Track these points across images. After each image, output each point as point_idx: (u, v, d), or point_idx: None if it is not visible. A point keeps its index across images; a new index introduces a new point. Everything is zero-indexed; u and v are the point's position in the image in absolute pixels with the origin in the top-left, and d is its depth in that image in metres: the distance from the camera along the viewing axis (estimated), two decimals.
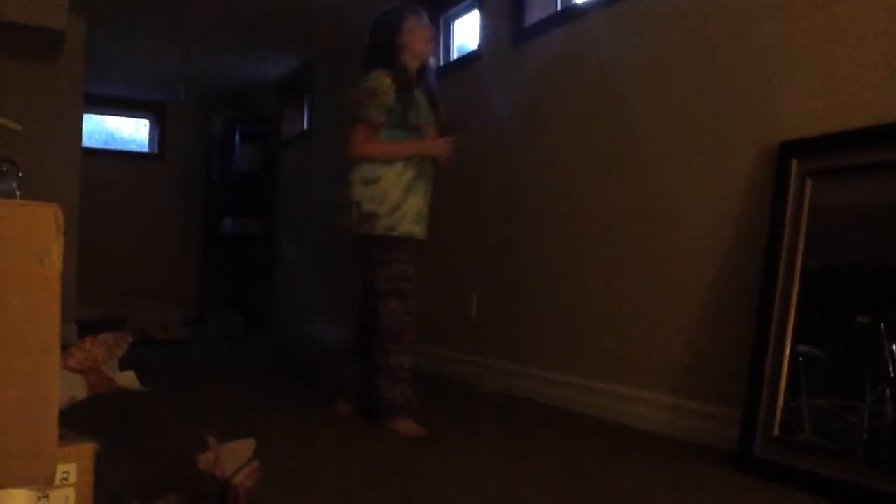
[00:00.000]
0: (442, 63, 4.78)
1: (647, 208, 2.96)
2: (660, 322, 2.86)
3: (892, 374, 1.99)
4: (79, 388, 2.98)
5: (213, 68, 6.83)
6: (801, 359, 2.23)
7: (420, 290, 4.24)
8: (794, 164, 2.35)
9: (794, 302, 2.27)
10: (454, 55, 4.79)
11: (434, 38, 2.86)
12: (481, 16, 4.17)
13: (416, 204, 2.75)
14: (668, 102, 2.88)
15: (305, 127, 6.97)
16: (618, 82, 3.15)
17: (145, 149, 8.17)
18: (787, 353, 2.24)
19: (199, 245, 8.04)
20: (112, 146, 8.05)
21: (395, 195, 2.70)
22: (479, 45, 4.16)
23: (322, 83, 6.33)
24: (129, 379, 3.62)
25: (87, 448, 1.12)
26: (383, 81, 2.71)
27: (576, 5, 3.52)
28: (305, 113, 7.04)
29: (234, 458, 1.70)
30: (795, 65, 2.41)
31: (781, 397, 2.22)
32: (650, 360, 2.89)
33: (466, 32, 4.77)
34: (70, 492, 1.10)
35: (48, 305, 0.93)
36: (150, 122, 8.16)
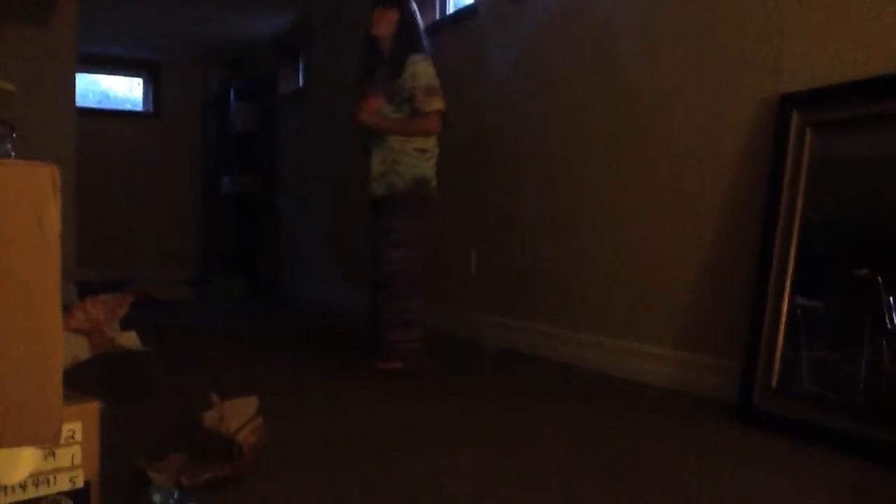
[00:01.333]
0: (438, 17, 4.72)
1: (648, 162, 2.94)
2: (660, 276, 2.87)
3: (890, 326, 2.00)
4: (81, 349, 3.00)
5: (208, 25, 6.74)
6: (799, 311, 2.24)
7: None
8: (795, 115, 2.33)
9: (793, 255, 2.27)
10: (450, 9, 4.72)
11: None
12: None
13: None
14: (668, 56, 2.85)
15: (301, 85, 6.90)
16: (618, 36, 3.11)
17: (140, 108, 8.10)
18: (786, 305, 2.25)
19: (198, 205, 8.02)
20: (106, 105, 7.98)
21: (434, 166, 3.11)
22: (476, 0, 4.10)
23: (318, 40, 6.26)
24: (130, 339, 3.64)
25: (92, 407, 1.13)
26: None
27: None
28: (301, 70, 6.97)
29: (237, 415, 1.71)
30: (797, 16, 2.38)
31: (780, 349, 2.24)
32: (651, 314, 2.91)
33: None
34: (76, 450, 1.12)
35: (48, 266, 0.93)
36: (144, 81, 8.08)
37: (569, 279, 3.35)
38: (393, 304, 3.05)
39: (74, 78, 5.06)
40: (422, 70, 3.04)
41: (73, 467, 1.12)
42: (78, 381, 1.25)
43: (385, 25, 3.08)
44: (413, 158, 3.05)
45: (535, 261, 3.57)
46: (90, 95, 7.83)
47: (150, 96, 8.04)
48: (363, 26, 3.20)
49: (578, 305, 3.29)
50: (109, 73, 8.00)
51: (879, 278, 2.04)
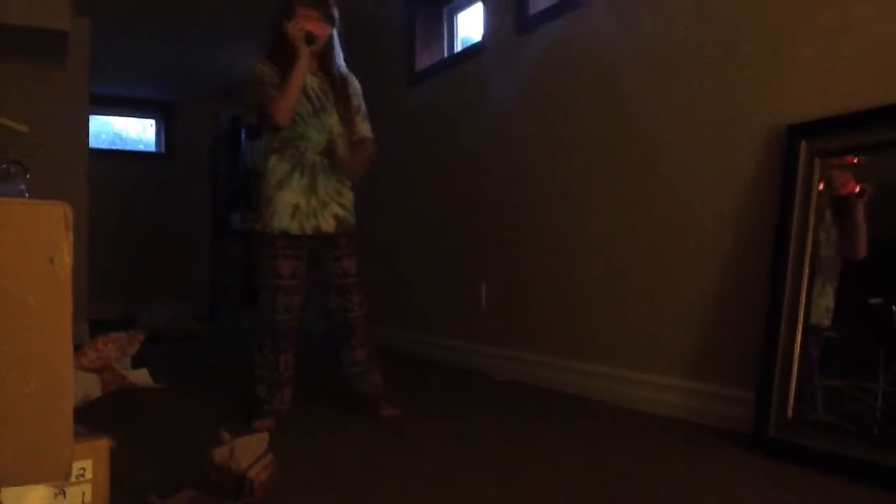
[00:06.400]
0: (446, 55, 4.78)
1: (654, 195, 2.94)
2: (670, 306, 2.86)
3: None
4: (93, 387, 2.99)
5: (218, 65, 6.81)
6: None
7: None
8: (803, 145, 2.34)
9: (805, 283, 2.26)
10: (458, 47, 4.78)
11: (322, 20, 2.80)
12: (485, 7, 4.14)
13: (290, 199, 2.69)
14: (672, 88, 2.87)
15: None
16: (622, 69, 3.13)
17: (152, 149, 8.20)
18: (800, 334, 2.24)
19: (208, 241, 8.06)
20: (119, 146, 8.07)
21: (267, 191, 2.72)
22: (484, 37, 4.14)
23: None
24: (142, 376, 3.64)
25: (103, 444, 1.13)
26: (262, 71, 2.77)
27: None
28: None
29: (248, 451, 1.71)
30: (803, 45, 2.39)
31: (795, 379, 2.22)
32: (662, 345, 2.89)
33: (469, 25, 4.76)
34: (87, 488, 1.11)
35: (60, 303, 0.94)
36: (157, 121, 8.18)
37: (578, 311, 3.34)
38: (369, 350, 2.84)
39: (87, 119, 5.14)
40: (358, 88, 2.85)
41: None
42: (89, 420, 1.25)
43: (323, 29, 2.80)
44: (350, 191, 2.83)
45: (545, 294, 3.56)
46: (103, 136, 7.93)
47: (163, 136, 8.14)
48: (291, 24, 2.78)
49: (588, 337, 3.27)
50: (122, 115, 8.10)
51: (894, 307, 2.03)
